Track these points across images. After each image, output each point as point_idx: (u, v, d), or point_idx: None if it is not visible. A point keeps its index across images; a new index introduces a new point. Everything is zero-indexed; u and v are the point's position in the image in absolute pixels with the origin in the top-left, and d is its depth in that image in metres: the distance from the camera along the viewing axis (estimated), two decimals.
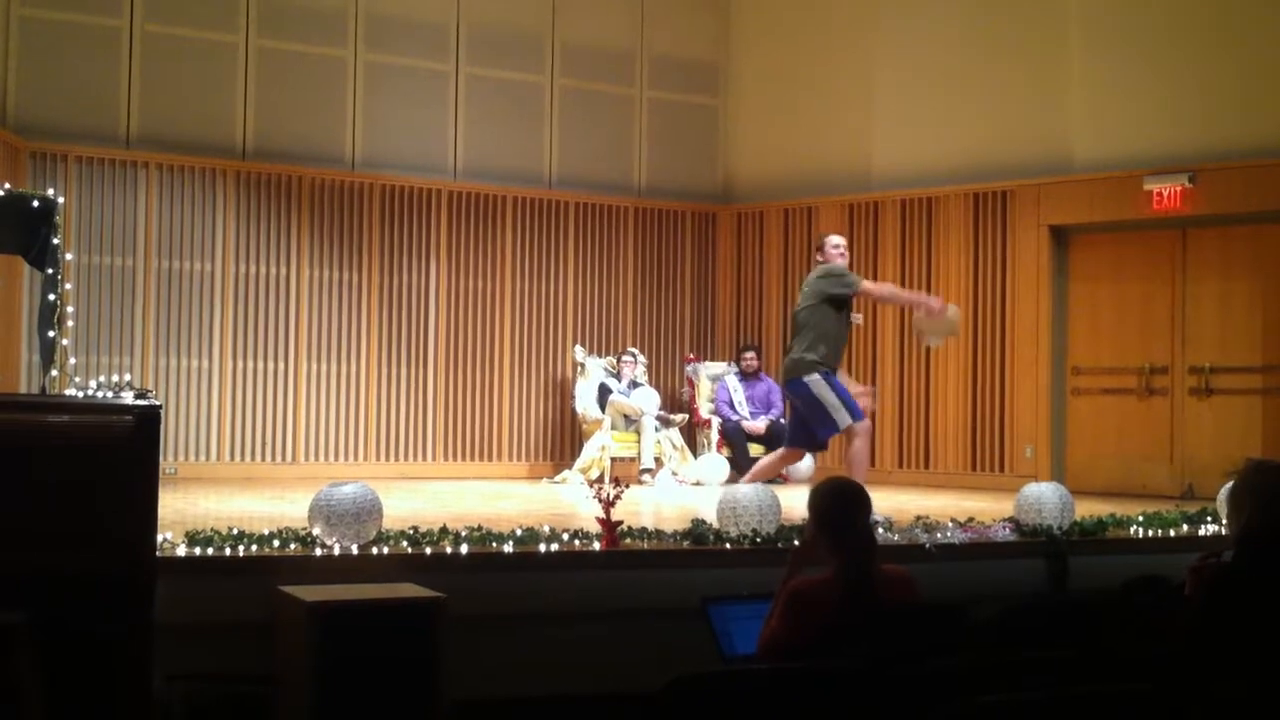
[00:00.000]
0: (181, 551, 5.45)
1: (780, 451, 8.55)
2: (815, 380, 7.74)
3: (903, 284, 12.00)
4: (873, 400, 8.42)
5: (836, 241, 8.25)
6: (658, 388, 12.14)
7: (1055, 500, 6.97)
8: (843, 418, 7.72)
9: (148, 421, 4.86)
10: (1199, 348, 10.77)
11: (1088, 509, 7.66)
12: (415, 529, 5.96)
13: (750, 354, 12.14)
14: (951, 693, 3.27)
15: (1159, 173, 10.62)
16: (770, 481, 10.79)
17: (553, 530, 6.16)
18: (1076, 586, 6.58)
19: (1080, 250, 11.41)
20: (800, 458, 8.83)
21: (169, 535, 5.54)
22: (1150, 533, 7.37)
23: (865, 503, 4.30)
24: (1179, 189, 10.54)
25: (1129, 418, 11.07)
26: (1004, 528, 6.98)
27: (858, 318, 8.44)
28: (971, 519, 7.17)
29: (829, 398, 7.72)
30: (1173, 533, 7.41)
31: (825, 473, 10.98)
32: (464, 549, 5.83)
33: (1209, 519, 7.60)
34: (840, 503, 4.27)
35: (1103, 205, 10.99)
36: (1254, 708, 3.29)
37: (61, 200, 8.99)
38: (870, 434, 8.07)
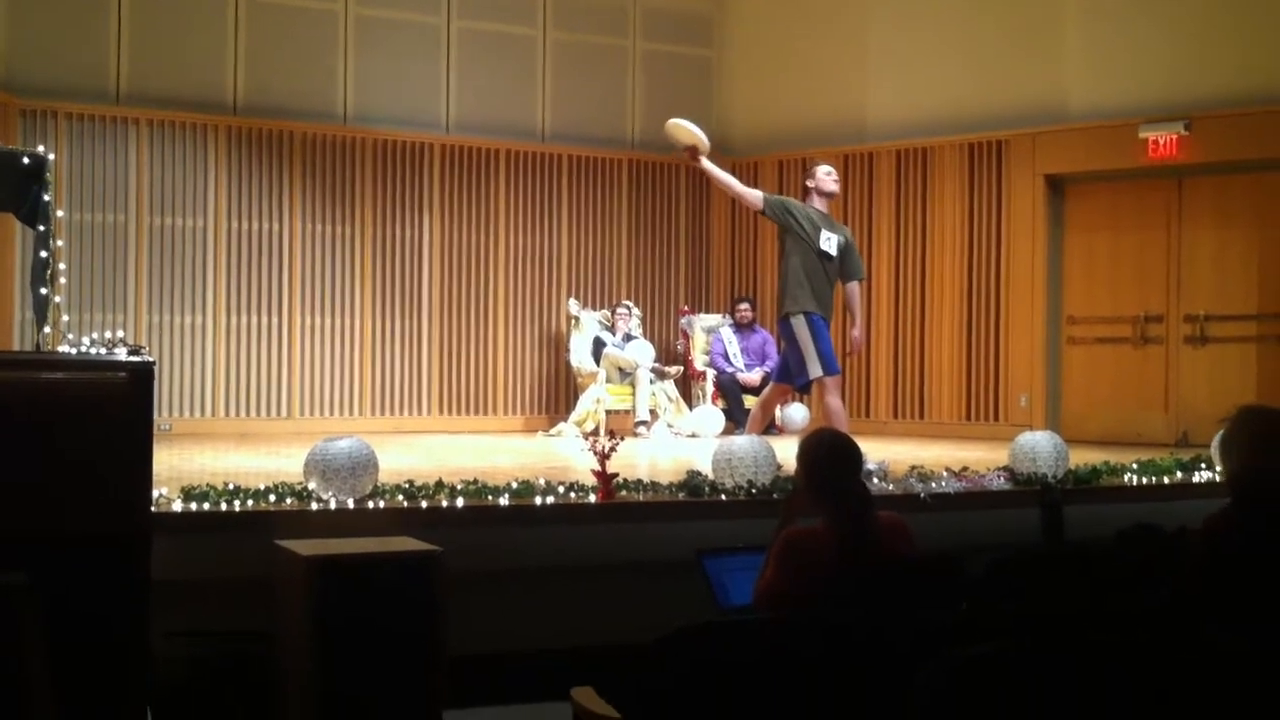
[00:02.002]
0: (177, 507, 5.46)
1: (767, 390, 8.52)
2: (798, 321, 7.67)
3: (898, 236, 11.99)
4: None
5: (828, 169, 8.00)
6: (652, 340, 12.13)
7: (1050, 449, 6.98)
8: (814, 368, 7.65)
9: (141, 378, 4.85)
10: (1194, 296, 10.76)
11: (1082, 457, 7.68)
12: (411, 483, 5.97)
13: (745, 306, 12.13)
14: (948, 642, 3.28)
15: (1154, 121, 10.58)
16: (765, 432, 10.83)
17: (548, 483, 6.17)
18: (1071, 535, 6.61)
19: (1076, 199, 11.38)
20: (786, 394, 8.76)
21: (164, 491, 5.54)
22: (1145, 481, 7.39)
23: (856, 456, 4.28)
24: (1174, 137, 10.51)
25: (1124, 366, 11.08)
26: (999, 477, 6.99)
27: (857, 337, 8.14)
28: (966, 468, 7.19)
29: (807, 343, 7.64)
30: (1167, 480, 7.43)
31: (820, 424, 11.01)
32: (460, 503, 5.84)
33: (1203, 466, 7.62)
34: (829, 457, 4.23)
35: (1098, 154, 10.95)
36: (1249, 656, 3.30)
37: (52, 157, 8.93)
38: (840, 386, 7.96)
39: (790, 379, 7.96)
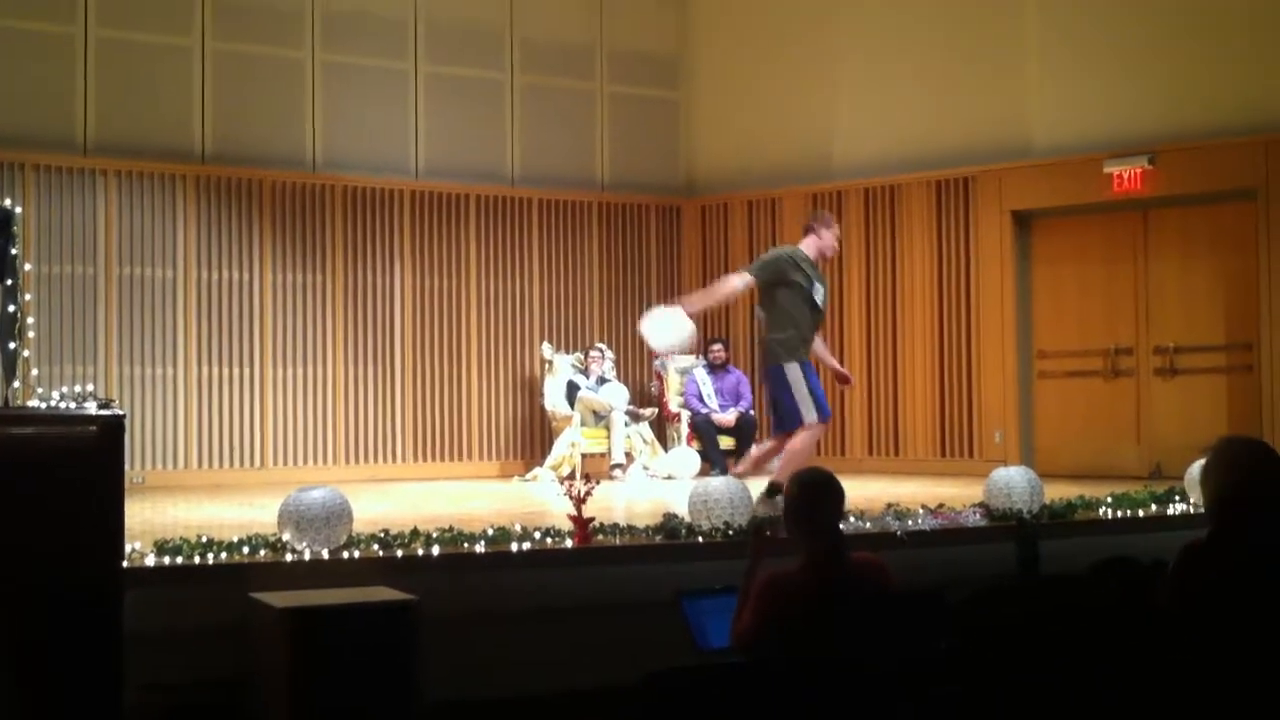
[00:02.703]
0: (150, 561, 5.42)
1: (770, 443, 8.17)
2: (792, 368, 7.41)
3: (868, 273, 12.04)
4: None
5: (838, 232, 7.79)
6: (626, 382, 12.12)
7: (1024, 484, 7.00)
8: (809, 414, 7.37)
9: (112, 431, 4.82)
10: (1163, 328, 10.83)
11: (1057, 492, 7.70)
12: (386, 531, 5.93)
13: (718, 346, 12.13)
14: (928, 680, 3.28)
15: (1119, 155, 10.67)
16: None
17: (524, 529, 6.15)
18: (1047, 569, 6.61)
19: (1043, 234, 11.46)
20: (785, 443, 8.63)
21: (137, 545, 5.50)
22: (1119, 514, 7.41)
23: (836, 496, 4.30)
24: (1139, 170, 10.60)
25: (1095, 400, 11.13)
26: (974, 513, 7.01)
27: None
28: (942, 505, 7.20)
29: (801, 389, 7.41)
30: (1141, 513, 7.46)
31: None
32: (436, 550, 5.81)
33: (1177, 498, 7.65)
34: (808, 494, 4.27)
35: (1064, 189, 11.03)
36: (1226, 683, 3.31)
37: (19, 210, 8.92)
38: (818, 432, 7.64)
39: (784, 427, 7.71)
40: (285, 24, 11.55)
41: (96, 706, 4.59)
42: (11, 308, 8.28)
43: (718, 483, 6.58)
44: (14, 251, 8.43)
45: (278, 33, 11.52)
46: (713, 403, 11.84)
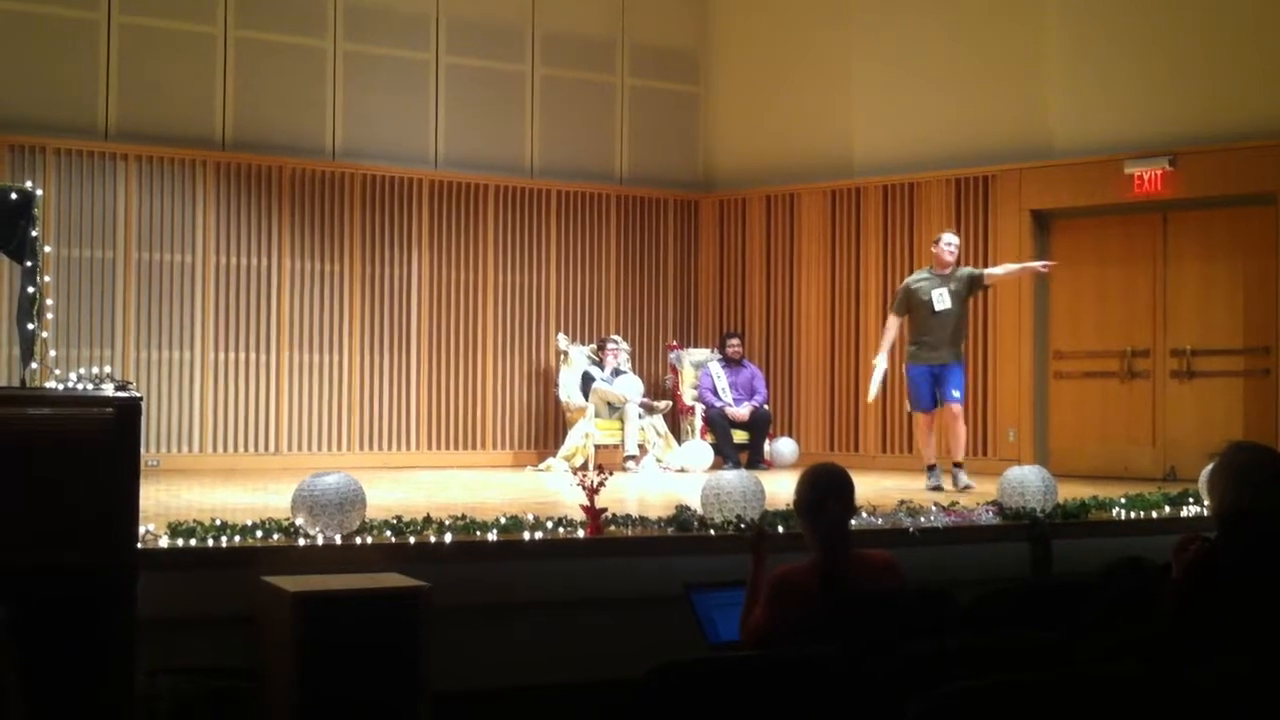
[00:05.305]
0: (164, 543, 5.44)
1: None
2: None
3: (885, 270, 12.01)
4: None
5: (948, 241, 9.55)
6: (641, 375, 12.12)
7: (1038, 483, 6.99)
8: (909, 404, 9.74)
9: (128, 413, 4.85)
10: (1180, 331, 10.79)
11: (1070, 492, 7.68)
12: (399, 518, 5.95)
13: (735, 341, 12.14)
14: (935, 677, 3.27)
15: (1139, 156, 10.63)
16: (752, 466, 10.86)
17: (537, 518, 6.16)
18: (1059, 569, 6.60)
19: (1062, 234, 11.42)
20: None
21: (151, 527, 5.53)
22: (1133, 515, 7.40)
23: (839, 488, 4.29)
24: (1159, 172, 10.56)
25: (1111, 401, 11.10)
26: (987, 511, 7.00)
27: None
28: (955, 503, 7.20)
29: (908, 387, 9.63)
30: (1155, 515, 7.44)
31: (810, 459, 11.00)
32: (448, 538, 5.82)
33: (1191, 501, 7.63)
34: (813, 488, 4.27)
35: (1084, 189, 10.99)
36: (1234, 685, 3.30)
37: (41, 193, 8.95)
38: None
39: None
40: (308, 13, 11.57)
41: (108, 688, 4.62)
42: (31, 289, 8.32)
43: (730, 476, 6.59)
44: (34, 234, 8.47)
45: (300, 22, 11.55)
46: (727, 397, 11.84)
